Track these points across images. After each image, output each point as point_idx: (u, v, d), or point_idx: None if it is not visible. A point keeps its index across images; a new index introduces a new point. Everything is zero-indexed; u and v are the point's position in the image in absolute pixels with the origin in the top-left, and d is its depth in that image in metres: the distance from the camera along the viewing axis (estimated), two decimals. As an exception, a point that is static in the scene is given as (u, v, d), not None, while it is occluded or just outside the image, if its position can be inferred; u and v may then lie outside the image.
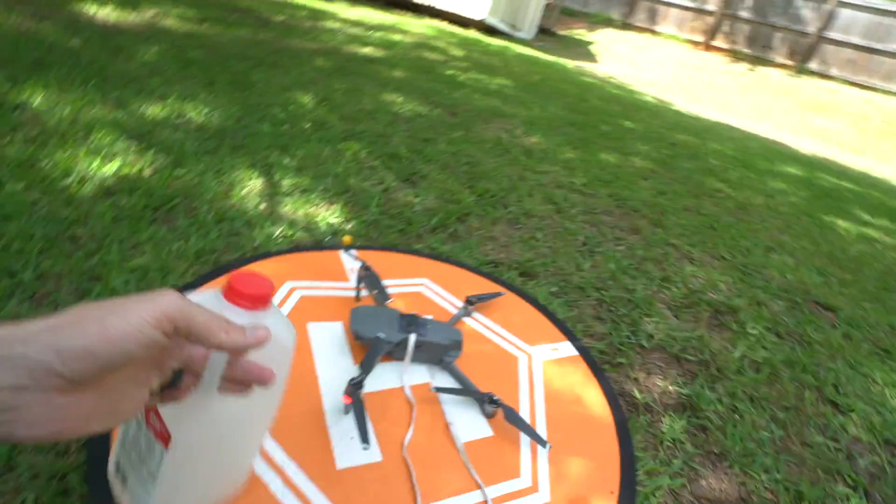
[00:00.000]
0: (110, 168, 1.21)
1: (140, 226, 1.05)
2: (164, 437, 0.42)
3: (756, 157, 3.76)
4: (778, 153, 4.34)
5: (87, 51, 1.90)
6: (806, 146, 5.29)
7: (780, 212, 2.49)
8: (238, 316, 0.39)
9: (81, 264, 0.91)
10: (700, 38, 8.49)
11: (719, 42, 8.42)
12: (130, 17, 2.54)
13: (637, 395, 0.99)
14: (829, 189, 3.39)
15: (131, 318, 0.27)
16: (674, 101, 5.66)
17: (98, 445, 0.62)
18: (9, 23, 1.96)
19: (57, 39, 1.94)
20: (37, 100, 1.44)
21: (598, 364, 1.02)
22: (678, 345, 1.17)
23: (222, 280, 0.43)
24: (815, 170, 3.98)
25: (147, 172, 1.25)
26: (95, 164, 1.21)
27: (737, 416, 1.01)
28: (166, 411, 0.41)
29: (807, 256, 1.97)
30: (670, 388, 1.04)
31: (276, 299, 0.94)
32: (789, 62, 7.92)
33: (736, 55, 8.24)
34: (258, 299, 0.40)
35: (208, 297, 0.41)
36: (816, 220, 2.55)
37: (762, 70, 7.87)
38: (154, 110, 1.59)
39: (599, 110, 3.61)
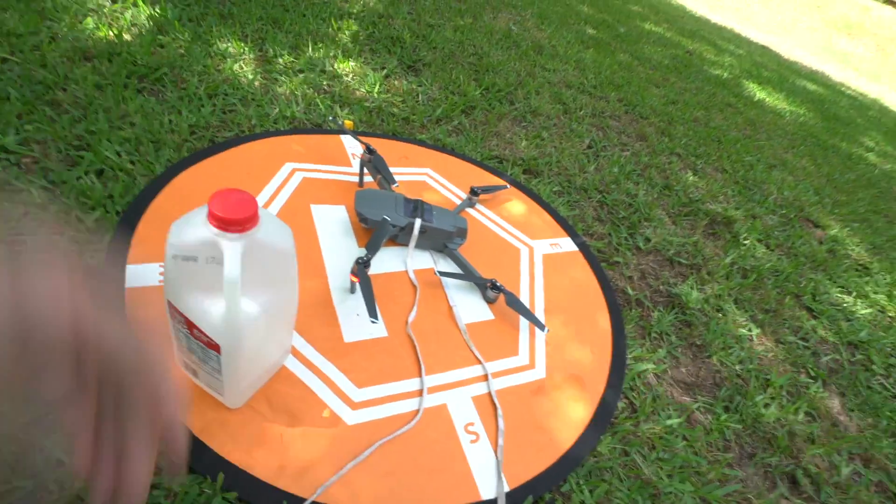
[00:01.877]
0: (83, 28, 1.09)
1: (126, 94, 0.97)
2: (215, 347, 0.49)
3: (772, 73, 3.59)
4: (794, 71, 4.15)
5: None
6: (824, 68, 5.04)
7: (788, 131, 2.44)
8: (231, 240, 0.42)
9: (66, 131, 0.85)
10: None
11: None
12: None
13: (630, 291, 1.03)
14: (838, 112, 3.29)
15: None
16: (693, 6, 5.23)
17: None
18: None
19: None
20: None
21: (596, 260, 1.04)
22: (673, 248, 1.19)
23: (205, 203, 0.45)
24: (829, 91, 3.84)
25: (127, 37, 1.13)
26: (66, 21, 1.09)
27: (720, 315, 1.06)
28: (207, 327, 0.47)
29: (806, 176, 1.97)
30: (661, 287, 1.08)
31: (276, 180, 0.92)
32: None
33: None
34: (247, 221, 0.42)
35: (196, 226, 0.43)
36: (821, 141, 2.51)
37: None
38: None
39: (617, 9, 3.32)
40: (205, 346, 0.50)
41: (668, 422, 0.80)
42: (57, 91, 0.92)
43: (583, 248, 1.06)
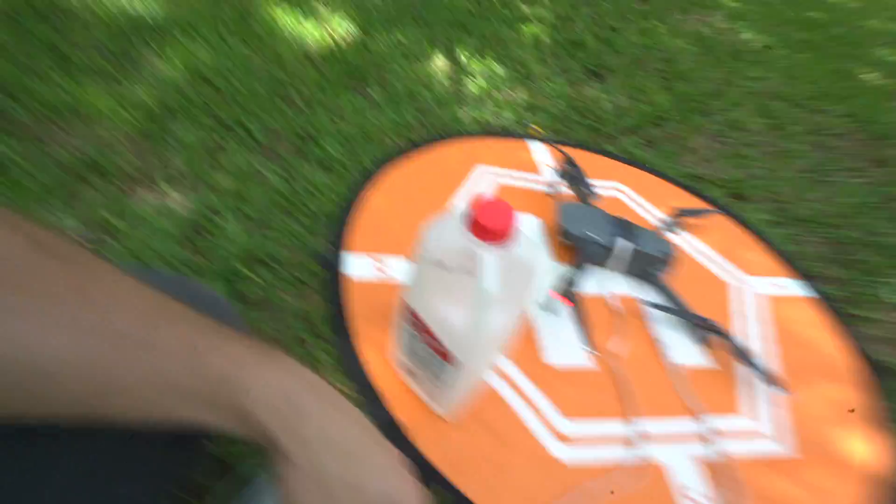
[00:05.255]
0: (307, 30, 1.22)
1: (340, 92, 1.06)
2: (445, 356, 0.47)
3: None
4: None
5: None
6: None
7: None
8: (489, 252, 0.40)
9: (295, 124, 0.94)
10: None
11: None
12: None
13: (877, 356, 0.81)
14: None
15: None
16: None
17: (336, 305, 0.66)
18: None
19: None
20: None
21: (834, 311, 0.85)
22: (936, 309, 0.93)
23: (467, 208, 0.41)
24: None
25: (338, 39, 1.24)
26: (291, 22, 1.23)
27: None
28: (447, 337, 0.46)
29: None
30: (921, 358, 0.84)
31: (471, 182, 0.90)
32: None
33: None
34: (509, 233, 0.40)
35: (452, 232, 0.42)
36: None
37: None
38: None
39: (829, 5, 2.81)
40: (435, 353, 0.48)
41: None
42: (288, 88, 1.03)
43: (813, 292, 0.87)
